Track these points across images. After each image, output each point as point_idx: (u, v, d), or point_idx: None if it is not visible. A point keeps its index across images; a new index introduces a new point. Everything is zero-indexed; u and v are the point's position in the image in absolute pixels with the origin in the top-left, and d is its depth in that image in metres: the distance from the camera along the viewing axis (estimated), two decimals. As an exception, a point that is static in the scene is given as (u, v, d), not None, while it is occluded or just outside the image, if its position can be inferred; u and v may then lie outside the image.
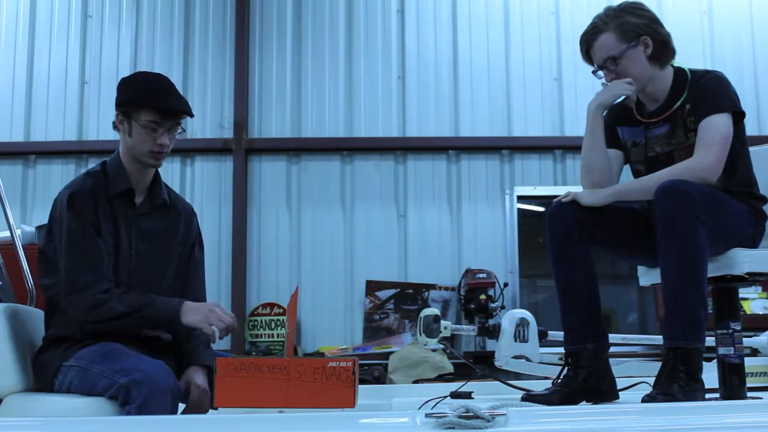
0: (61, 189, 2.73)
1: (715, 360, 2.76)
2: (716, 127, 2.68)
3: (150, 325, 2.64)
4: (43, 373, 2.64)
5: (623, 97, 2.84)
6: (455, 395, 2.86)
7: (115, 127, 2.77)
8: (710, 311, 2.62)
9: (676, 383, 2.48)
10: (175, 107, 2.71)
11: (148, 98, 2.68)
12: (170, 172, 6.33)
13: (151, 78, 2.80)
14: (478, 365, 4.74)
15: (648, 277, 2.99)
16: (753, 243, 2.79)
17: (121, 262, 2.68)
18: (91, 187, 2.69)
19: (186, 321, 2.57)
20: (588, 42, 2.85)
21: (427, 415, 1.94)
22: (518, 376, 3.83)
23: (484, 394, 3.13)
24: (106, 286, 2.59)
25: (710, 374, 2.68)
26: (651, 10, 2.85)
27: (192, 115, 2.78)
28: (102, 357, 2.50)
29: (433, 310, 3.62)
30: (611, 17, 2.80)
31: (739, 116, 2.76)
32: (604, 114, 2.89)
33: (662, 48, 2.81)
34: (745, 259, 2.69)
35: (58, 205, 2.68)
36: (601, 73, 2.86)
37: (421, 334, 3.58)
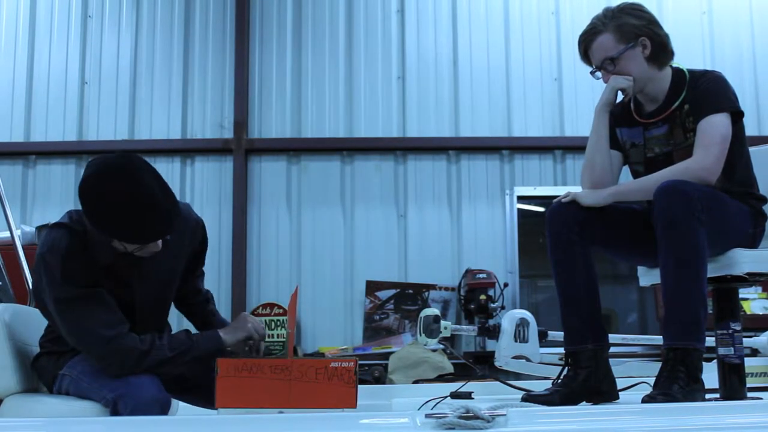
0: (42, 250, 2.43)
1: (715, 360, 2.76)
2: (715, 127, 2.68)
3: (196, 362, 2.51)
4: (42, 378, 2.66)
5: (623, 89, 2.83)
6: (455, 395, 2.86)
7: None
8: (710, 311, 2.62)
9: (676, 383, 2.48)
10: (155, 238, 2.38)
11: (122, 237, 2.35)
12: (170, 172, 6.34)
13: (121, 202, 2.29)
14: (478, 365, 4.74)
15: (648, 277, 2.99)
16: (753, 243, 2.80)
17: (128, 306, 2.55)
18: (77, 252, 2.41)
19: (231, 343, 2.56)
20: (586, 42, 2.85)
21: (427, 416, 1.94)
22: (518, 376, 3.83)
23: (484, 394, 3.13)
24: (133, 334, 2.44)
25: (710, 374, 2.68)
26: (650, 11, 2.85)
27: (170, 233, 2.43)
28: (90, 369, 2.48)
29: (433, 311, 3.62)
30: (610, 18, 2.80)
31: (737, 116, 2.76)
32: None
33: (661, 49, 2.81)
34: (745, 260, 2.69)
35: (48, 271, 2.40)
36: (599, 73, 2.86)
37: (421, 335, 3.58)
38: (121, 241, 2.36)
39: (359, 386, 2.12)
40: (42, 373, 2.64)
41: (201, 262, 2.94)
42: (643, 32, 2.78)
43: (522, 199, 6.48)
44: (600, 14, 2.84)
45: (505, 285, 6.07)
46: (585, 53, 2.88)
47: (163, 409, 2.39)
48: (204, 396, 2.56)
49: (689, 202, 2.54)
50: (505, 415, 1.94)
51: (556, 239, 2.78)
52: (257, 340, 2.60)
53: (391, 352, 5.74)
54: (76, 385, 2.50)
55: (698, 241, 2.54)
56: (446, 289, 6.32)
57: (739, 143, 2.78)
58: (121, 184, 2.29)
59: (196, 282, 2.93)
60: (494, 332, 3.67)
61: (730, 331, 2.74)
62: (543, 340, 3.64)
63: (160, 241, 2.41)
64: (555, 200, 2.82)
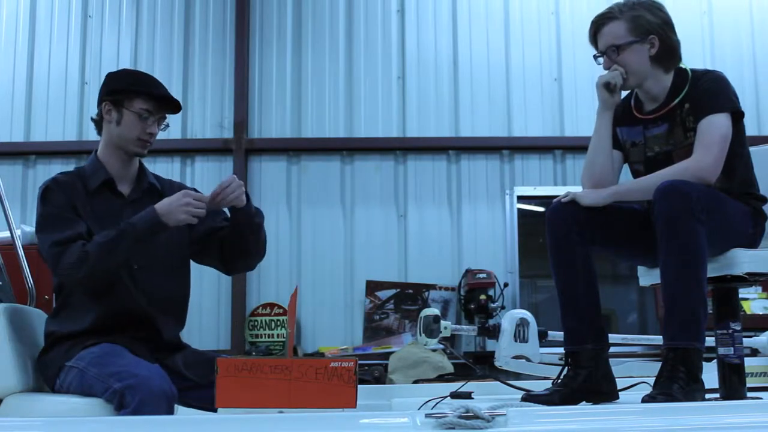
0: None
1: (715, 360, 2.77)
2: (715, 126, 2.69)
3: (140, 243, 2.58)
4: (46, 371, 2.65)
5: (611, 84, 2.83)
6: (455, 395, 2.86)
7: (96, 120, 2.84)
8: (710, 311, 2.62)
9: (676, 383, 2.48)
10: (170, 96, 2.80)
11: (144, 86, 2.76)
12: (170, 172, 6.32)
13: (142, 72, 2.92)
14: (478, 365, 4.74)
15: (648, 277, 2.99)
16: (753, 243, 2.79)
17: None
18: (65, 179, 2.73)
19: (172, 224, 2.58)
20: (598, 25, 2.85)
21: (427, 416, 1.94)
22: (518, 376, 3.83)
23: (484, 394, 3.13)
24: (82, 242, 2.59)
25: (710, 374, 2.68)
26: (668, 14, 2.86)
27: (180, 109, 2.86)
28: (99, 360, 2.50)
29: (433, 311, 3.63)
30: (628, 8, 2.82)
31: (738, 116, 2.76)
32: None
33: (668, 53, 2.82)
34: (745, 260, 2.69)
35: (38, 200, 2.72)
36: (601, 59, 2.87)
37: (421, 334, 3.58)
38: (143, 90, 2.73)
39: (359, 386, 2.12)
40: (48, 365, 2.64)
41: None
42: (655, 31, 2.80)
43: (522, 199, 6.48)
44: (620, 2, 2.84)
45: (505, 285, 6.07)
46: (594, 36, 2.88)
47: (170, 404, 2.40)
48: (203, 397, 2.56)
49: (689, 202, 2.53)
50: (505, 415, 1.93)
51: (556, 239, 2.78)
52: (197, 214, 2.59)
53: (391, 352, 5.75)
54: (82, 376, 2.50)
55: (698, 241, 2.54)
56: (446, 289, 6.32)
57: (740, 143, 2.78)
58: (136, 70, 3.04)
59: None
60: (494, 332, 3.67)
61: (730, 331, 2.74)
62: (543, 340, 3.65)
63: (161, 125, 2.80)
64: (555, 200, 2.82)
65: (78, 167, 2.87)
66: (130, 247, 2.58)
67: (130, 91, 2.75)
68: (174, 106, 2.83)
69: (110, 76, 2.85)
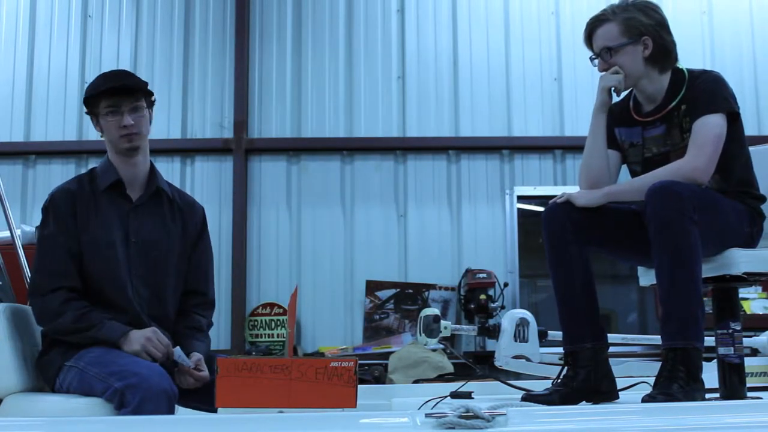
0: None
1: (715, 360, 2.77)
2: (709, 127, 2.69)
3: (97, 343, 2.59)
4: (45, 372, 2.65)
5: (613, 88, 2.84)
6: (455, 395, 2.86)
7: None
8: (709, 311, 2.62)
9: (676, 383, 2.48)
10: (119, 83, 2.72)
11: (99, 86, 2.73)
12: (170, 172, 6.33)
13: (104, 73, 2.83)
14: (478, 365, 4.74)
15: (648, 277, 2.99)
16: (751, 242, 2.79)
17: (117, 255, 2.68)
18: (73, 187, 2.74)
19: (127, 350, 2.55)
20: (592, 27, 2.87)
21: (427, 415, 1.94)
22: (518, 376, 3.83)
23: (484, 394, 3.13)
24: (65, 296, 2.60)
25: (710, 374, 2.68)
26: (663, 14, 2.87)
27: (145, 86, 2.77)
28: (99, 360, 2.50)
29: (433, 310, 3.63)
30: (621, 9, 2.83)
31: (733, 117, 2.76)
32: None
33: (662, 53, 2.82)
34: (743, 259, 2.69)
35: (42, 210, 2.75)
36: (596, 61, 2.88)
37: (421, 334, 3.58)
38: (95, 93, 2.70)
39: (359, 386, 2.12)
40: (47, 366, 2.64)
41: (199, 248, 2.94)
42: (649, 32, 2.80)
43: (522, 198, 6.49)
44: (615, 3, 2.86)
45: (505, 285, 6.07)
46: (589, 37, 2.89)
47: (171, 402, 2.39)
48: (203, 397, 2.56)
49: (681, 202, 2.54)
50: (505, 414, 1.93)
51: (552, 240, 2.78)
52: (152, 353, 2.56)
53: (391, 352, 5.75)
54: (82, 376, 2.50)
55: (692, 241, 2.54)
56: (446, 288, 6.32)
57: (738, 143, 2.78)
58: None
59: (200, 279, 2.92)
60: (494, 332, 3.67)
61: (730, 331, 2.74)
62: (543, 339, 3.65)
63: (138, 113, 2.72)
64: (551, 201, 2.83)
65: (92, 167, 2.88)
66: (93, 341, 2.57)
67: (92, 98, 2.73)
68: (134, 93, 2.73)
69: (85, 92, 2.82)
